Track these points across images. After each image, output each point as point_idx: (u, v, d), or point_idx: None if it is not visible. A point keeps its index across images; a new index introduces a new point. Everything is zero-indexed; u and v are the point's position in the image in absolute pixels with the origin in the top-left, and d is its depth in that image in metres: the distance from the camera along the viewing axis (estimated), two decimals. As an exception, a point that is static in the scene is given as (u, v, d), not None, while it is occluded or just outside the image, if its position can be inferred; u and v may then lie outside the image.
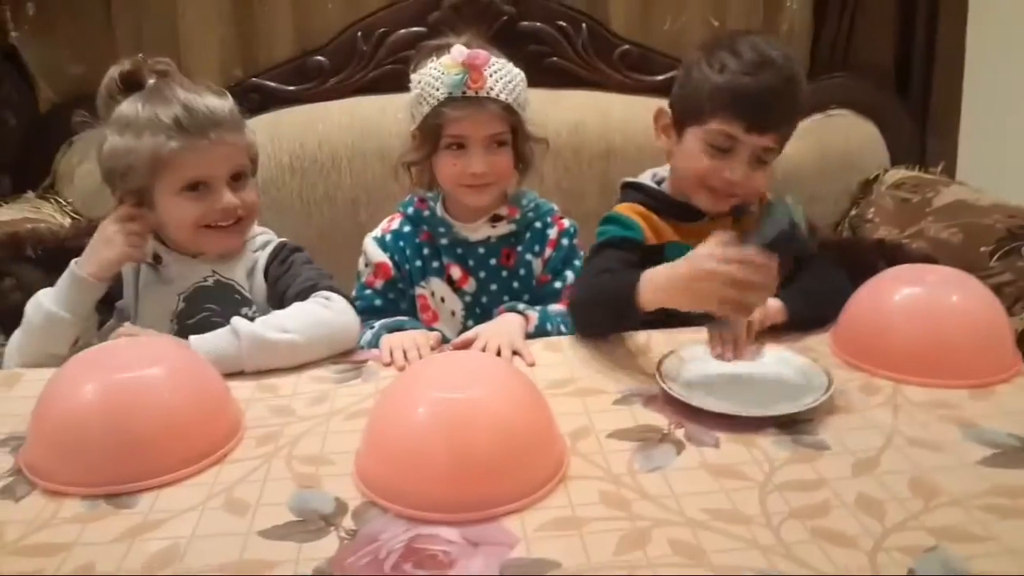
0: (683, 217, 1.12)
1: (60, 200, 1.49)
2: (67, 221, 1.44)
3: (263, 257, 1.11)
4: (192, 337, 0.96)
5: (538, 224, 1.17)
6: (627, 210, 1.12)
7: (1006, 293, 1.19)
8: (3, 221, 1.33)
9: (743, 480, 0.73)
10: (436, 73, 1.07)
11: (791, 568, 0.61)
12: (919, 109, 1.72)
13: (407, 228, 1.17)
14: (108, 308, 1.10)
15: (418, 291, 1.17)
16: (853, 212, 1.62)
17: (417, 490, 0.70)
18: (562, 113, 1.58)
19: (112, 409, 0.75)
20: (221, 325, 0.97)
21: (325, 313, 1.00)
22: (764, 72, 1.01)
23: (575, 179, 1.59)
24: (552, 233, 1.17)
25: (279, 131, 1.54)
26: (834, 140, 1.65)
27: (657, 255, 1.08)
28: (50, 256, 1.24)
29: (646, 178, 1.17)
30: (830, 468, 0.74)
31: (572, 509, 0.69)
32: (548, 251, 1.16)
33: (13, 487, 0.75)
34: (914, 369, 0.89)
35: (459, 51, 1.06)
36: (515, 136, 1.11)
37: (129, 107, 1.02)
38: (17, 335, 1.04)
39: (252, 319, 0.98)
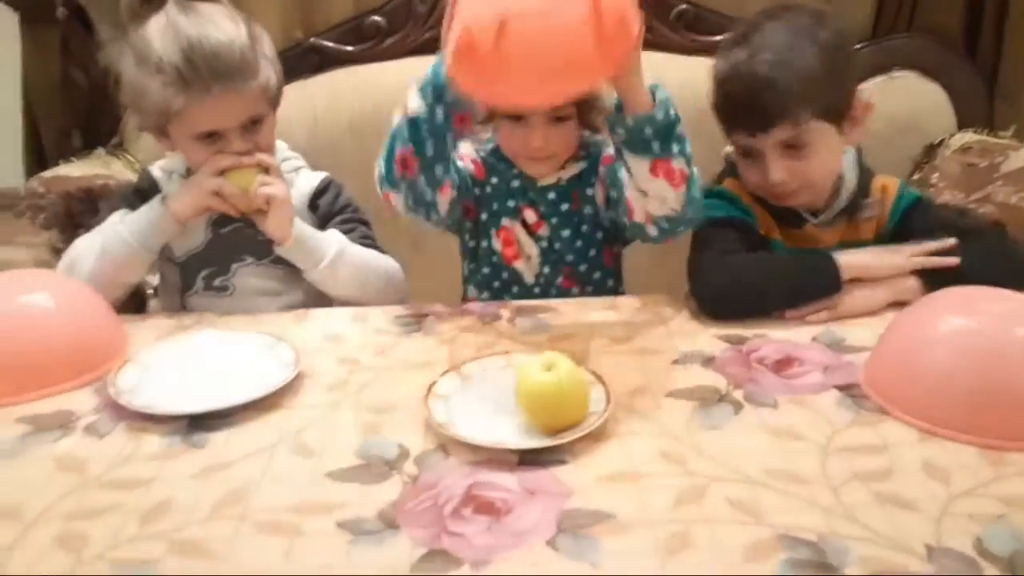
0: (786, 220, 1.06)
1: (129, 157, 1.53)
2: (135, 178, 1.48)
3: (304, 185, 1.15)
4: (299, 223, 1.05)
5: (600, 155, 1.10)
6: (738, 190, 1.06)
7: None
8: (77, 176, 1.37)
9: (803, 441, 0.73)
10: None
11: (852, 530, 0.61)
12: (988, 72, 1.64)
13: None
14: None
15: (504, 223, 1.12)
16: (915, 177, 1.57)
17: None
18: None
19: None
20: (253, 233, 1.04)
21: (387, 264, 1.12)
22: (744, 71, 0.96)
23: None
24: (606, 152, 1.08)
25: (337, 93, 1.55)
26: (897, 103, 1.59)
27: (765, 249, 1.04)
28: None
29: None
30: (895, 433, 0.74)
31: (628, 463, 0.71)
32: (602, 169, 1.09)
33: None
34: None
35: None
36: (581, 107, 1.05)
37: (146, 35, 0.99)
38: (90, 256, 1.05)
39: None
